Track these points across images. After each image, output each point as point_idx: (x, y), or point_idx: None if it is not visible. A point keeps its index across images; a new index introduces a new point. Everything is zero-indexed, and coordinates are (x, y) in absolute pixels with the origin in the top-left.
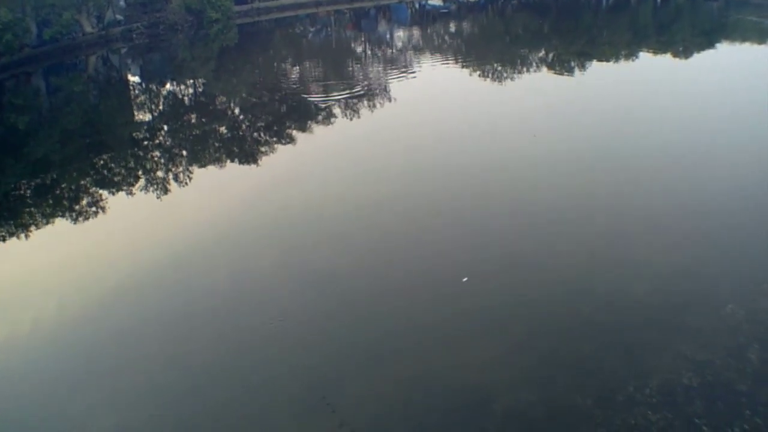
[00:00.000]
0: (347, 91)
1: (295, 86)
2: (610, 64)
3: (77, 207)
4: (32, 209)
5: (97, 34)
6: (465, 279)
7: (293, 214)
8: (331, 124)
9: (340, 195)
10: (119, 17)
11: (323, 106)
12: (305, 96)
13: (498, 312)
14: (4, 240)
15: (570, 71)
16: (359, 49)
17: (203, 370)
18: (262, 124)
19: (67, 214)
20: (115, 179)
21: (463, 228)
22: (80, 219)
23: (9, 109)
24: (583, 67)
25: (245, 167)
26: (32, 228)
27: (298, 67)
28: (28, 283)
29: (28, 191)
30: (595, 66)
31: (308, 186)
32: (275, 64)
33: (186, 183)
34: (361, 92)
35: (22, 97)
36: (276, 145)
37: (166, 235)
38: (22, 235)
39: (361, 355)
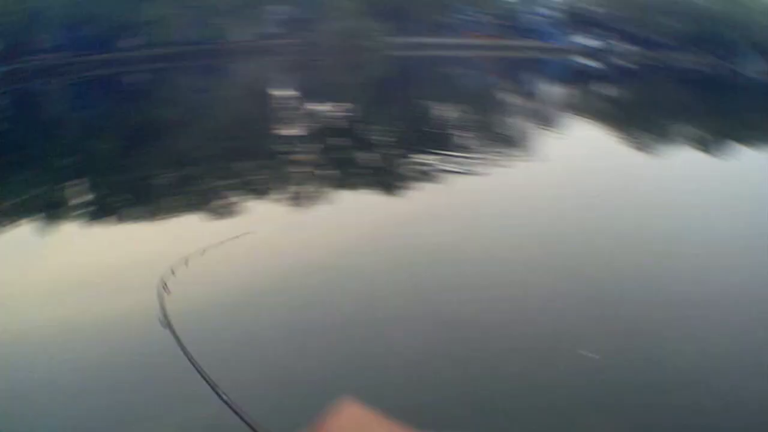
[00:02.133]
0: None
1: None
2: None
3: (204, 205)
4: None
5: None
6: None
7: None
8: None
9: None
10: (275, 30)
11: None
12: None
13: None
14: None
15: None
16: (513, 101)
17: None
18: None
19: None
20: (239, 185)
21: None
22: (196, 219)
23: (157, 100)
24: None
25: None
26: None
27: (439, 110)
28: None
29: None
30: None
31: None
32: (419, 102)
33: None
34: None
35: (170, 91)
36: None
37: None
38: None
39: None
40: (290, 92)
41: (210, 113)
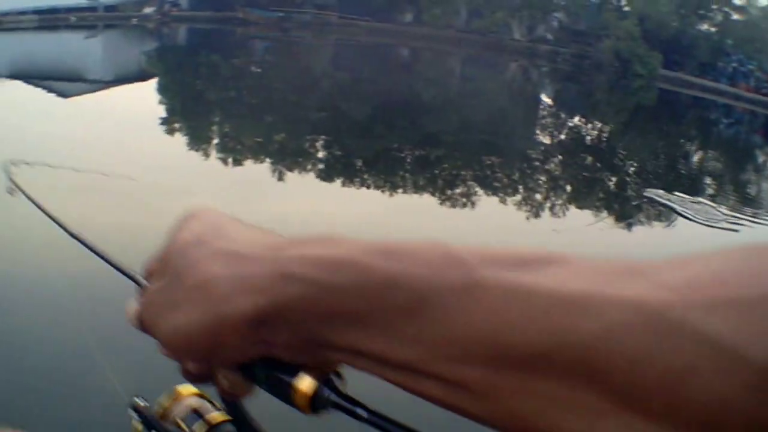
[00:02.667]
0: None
1: None
2: None
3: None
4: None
5: (524, 44)
6: None
7: None
8: None
9: None
10: (549, 36)
11: None
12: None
13: None
14: None
15: None
16: None
17: None
18: None
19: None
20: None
21: None
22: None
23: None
24: None
25: None
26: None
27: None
28: None
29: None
30: None
31: None
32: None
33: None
34: None
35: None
36: None
37: None
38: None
39: None
40: (550, 101)
41: (469, 103)
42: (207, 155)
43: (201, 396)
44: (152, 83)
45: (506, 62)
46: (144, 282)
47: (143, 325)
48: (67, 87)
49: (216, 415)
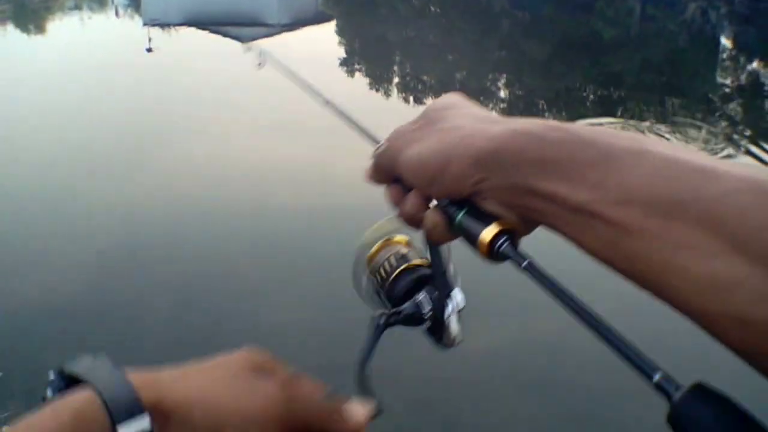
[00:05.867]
0: None
1: None
2: None
3: None
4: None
5: None
6: None
7: None
8: None
9: None
10: None
11: None
12: None
13: None
14: None
15: None
16: None
17: None
18: None
19: None
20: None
21: None
22: None
23: (599, 17)
24: None
25: None
26: None
27: None
28: None
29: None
30: None
31: None
32: None
33: None
34: None
35: (613, 11)
36: None
37: None
38: None
39: None
40: (730, 43)
41: (649, 43)
42: (388, 95)
43: (410, 246)
44: (330, 25)
45: (685, 2)
46: (380, 140)
47: (381, 167)
48: (245, 32)
49: (417, 261)
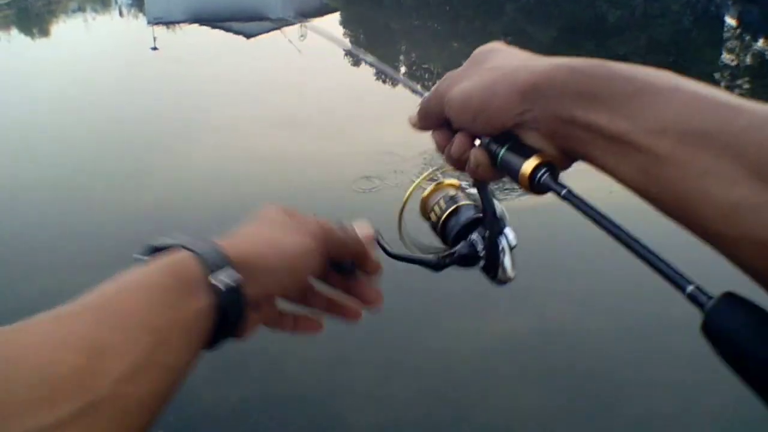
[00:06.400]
0: None
1: None
2: None
3: None
4: None
5: None
6: None
7: None
8: None
9: None
10: None
11: None
12: None
13: None
14: None
15: None
16: None
17: None
18: None
19: None
20: None
21: None
22: None
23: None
24: None
25: None
26: None
27: None
28: None
29: None
30: None
31: None
32: None
33: None
34: None
35: None
36: None
37: None
38: None
39: None
40: (734, 22)
41: (653, 23)
42: (394, 84)
43: (460, 188)
44: (334, 17)
45: None
46: (421, 91)
47: (428, 112)
48: (249, 27)
49: (466, 201)
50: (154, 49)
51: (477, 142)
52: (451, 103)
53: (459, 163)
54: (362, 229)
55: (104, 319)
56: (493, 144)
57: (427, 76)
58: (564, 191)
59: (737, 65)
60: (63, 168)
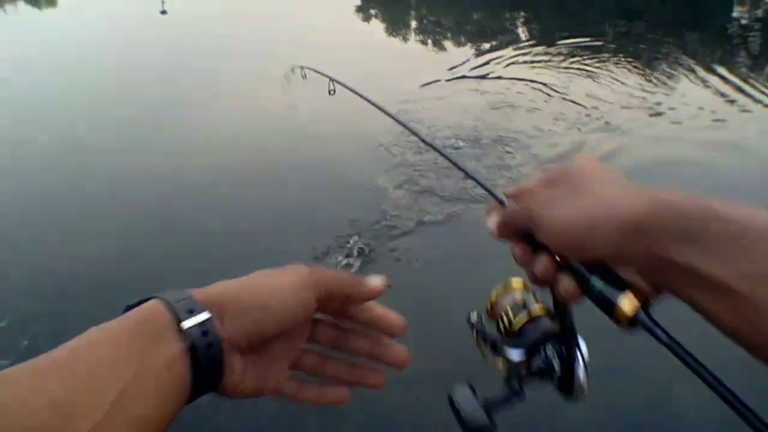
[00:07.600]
0: None
1: None
2: None
3: None
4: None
5: None
6: None
7: None
8: None
9: None
10: None
11: None
12: None
13: None
14: None
15: None
16: None
17: None
18: None
19: None
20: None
21: None
22: None
23: None
24: None
25: None
26: None
27: None
28: None
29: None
30: None
31: None
32: None
33: None
34: None
35: None
36: None
37: None
38: None
39: None
40: None
41: None
42: (406, 39)
43: (528, 290)
44: None
45: None
46: (503, 198)
47: (512, 224)
48: None
49: (538, 309)
50: (163, 12)
51: (558, 257)
52: (547, 228)
53: (543, 283)
54: (374, 280)
55: (72, 378)
56: (584, 271)
57: (438, 30)
58: (665, 338)
59: (748, 19)
60: (70, 135)
